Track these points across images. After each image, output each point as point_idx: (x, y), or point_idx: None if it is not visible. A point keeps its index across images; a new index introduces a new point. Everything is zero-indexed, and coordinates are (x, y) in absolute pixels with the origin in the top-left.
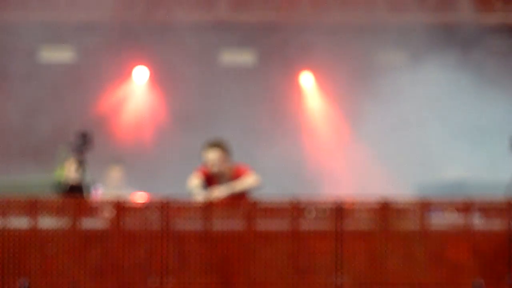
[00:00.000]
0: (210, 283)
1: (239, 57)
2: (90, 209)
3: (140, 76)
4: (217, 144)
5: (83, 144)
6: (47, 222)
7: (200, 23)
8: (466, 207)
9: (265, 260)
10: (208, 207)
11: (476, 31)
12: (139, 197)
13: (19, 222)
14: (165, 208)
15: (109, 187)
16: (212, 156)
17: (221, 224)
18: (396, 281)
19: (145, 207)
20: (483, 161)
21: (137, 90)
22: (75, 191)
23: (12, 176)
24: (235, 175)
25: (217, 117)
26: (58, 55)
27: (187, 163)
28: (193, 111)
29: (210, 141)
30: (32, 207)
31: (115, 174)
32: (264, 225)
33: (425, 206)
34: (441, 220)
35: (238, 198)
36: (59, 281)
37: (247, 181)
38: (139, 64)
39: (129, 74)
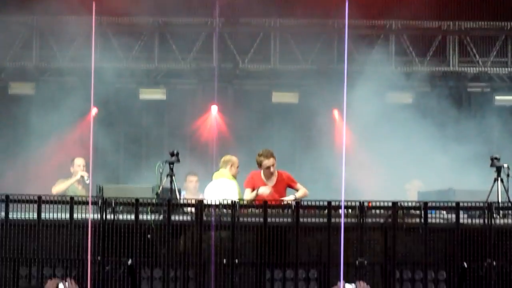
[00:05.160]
0: (262, 263)
1: (286, 97)
2: (178, 207)
3: (213, 110)
4: (272, 153)
5: (173, 160)
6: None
7: (258, 72)
8: (456, 208)
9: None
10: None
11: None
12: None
13: (126, 217)
14: (234, 207)
15: (187, 193)
16: (271, 162)
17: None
18: (402, 262)
19: (218, 206)
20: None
21: (211, 120)
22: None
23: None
24: (280, 177)
25: (269, 140)
26: (154, 94)
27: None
28: (252, 135)
29: (267, 150)
30: (135, 205)
31: (193, 183)
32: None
33: (426, 207)
34: (437, 217)
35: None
36: (154, 261)
37: (303, 192)
38: (212, 102)
39: (204, 109)
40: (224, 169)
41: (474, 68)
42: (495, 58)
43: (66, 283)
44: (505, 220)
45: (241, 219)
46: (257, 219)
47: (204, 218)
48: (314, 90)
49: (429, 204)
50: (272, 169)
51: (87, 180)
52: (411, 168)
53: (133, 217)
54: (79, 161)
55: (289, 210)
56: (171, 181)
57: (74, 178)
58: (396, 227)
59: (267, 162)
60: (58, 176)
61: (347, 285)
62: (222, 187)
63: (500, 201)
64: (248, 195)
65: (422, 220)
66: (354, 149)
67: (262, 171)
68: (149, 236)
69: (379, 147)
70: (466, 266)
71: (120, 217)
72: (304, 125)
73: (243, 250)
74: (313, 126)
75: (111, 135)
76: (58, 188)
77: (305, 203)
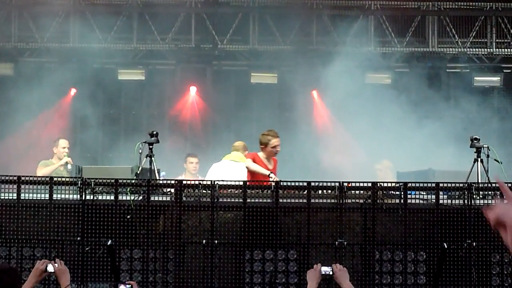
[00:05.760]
0: (241, 243)
1: (265, 78)
2: (157, 188)
3: (192, 91)
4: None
5: (153, 140)
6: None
7: (237, 52)
8: (436, 189)
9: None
10: (244, 188)
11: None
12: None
13: (105, 197)
14: (213, 187)
15: (187, 174)
16: (279, 141)
17: (251, 199)
18: (381, 242)
19: (198, 186)
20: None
21: (189, 101)
22: (146, 175)
23: (100, 166)
24: (275, 162)
25: (248, 121)
26: (133, 75)
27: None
28: (230, 116)
29: (273, 130)
30: (115, 185)
31: (193, 164)
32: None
33: (405, 188)
34: (416, 198)
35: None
36: (134, 241)
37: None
38: (191, 83)
39: (183, 89)
40: (237, 152)
41: (453, 48)
42: (474, 39)
43: (56, 264)
44: (485, 201)
45: (220, 199)
46: (237, 199)
47: (184, 198)
48: (293, 71)
49: (409, 185)
50: (278, 148)
51: (70, 168)
52: (387, 149)
53: (112, 197)
54: (63, 143)
55: (269, 191)
56: (151, 162)
57: (60, 162)
58: (375, 208)
59: (275, 141)
60: (39, 157)
61: (323, 267)
62: (240, 170)
63: (479, 181)
64: (255, 165)
65: (402, 201)
66: (332, 129)
67: (262, 153)
68: (128, 216)
69: (357, 127)
70: (445, 246)
71: (100, 197)
72: (283, 105)
73: (223, 231)
74: (292, 106)
75: (90, 115)
76: (45, 171)
77: (285, 183)
